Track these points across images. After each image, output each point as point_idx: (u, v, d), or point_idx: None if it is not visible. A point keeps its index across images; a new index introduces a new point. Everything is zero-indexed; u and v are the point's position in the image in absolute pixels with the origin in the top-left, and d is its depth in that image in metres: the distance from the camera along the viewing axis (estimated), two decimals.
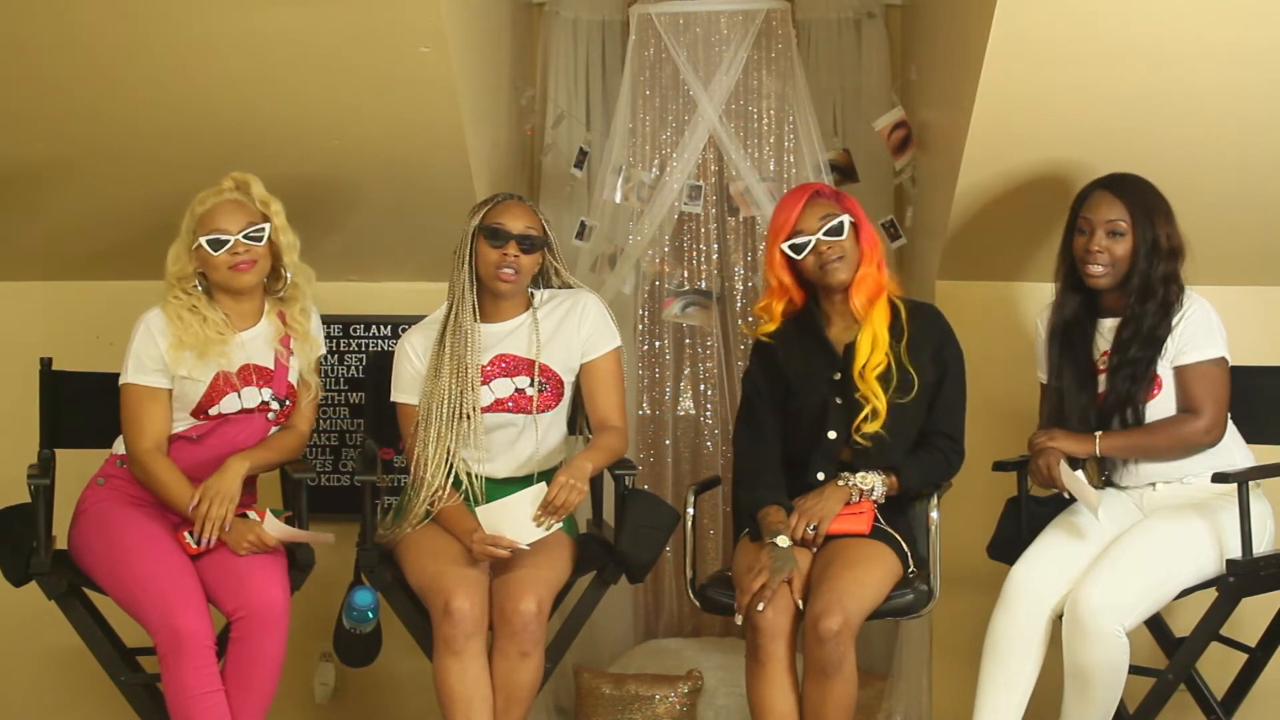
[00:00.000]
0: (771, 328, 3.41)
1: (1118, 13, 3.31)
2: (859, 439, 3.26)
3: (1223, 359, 3.31)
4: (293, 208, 3.40)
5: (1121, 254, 3.31)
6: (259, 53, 3.43)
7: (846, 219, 3.31)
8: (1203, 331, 3.29)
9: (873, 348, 3.27)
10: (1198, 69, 3.42)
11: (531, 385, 3.39)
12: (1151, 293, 3.29)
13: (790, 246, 3.32)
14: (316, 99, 3.57)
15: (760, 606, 3.08)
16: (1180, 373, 3.30)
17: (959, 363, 3.36)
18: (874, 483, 3.27)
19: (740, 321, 4.31)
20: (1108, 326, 3.38)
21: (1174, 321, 3.30)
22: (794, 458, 3.36)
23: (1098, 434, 3.31)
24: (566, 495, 3.20)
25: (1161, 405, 3.31)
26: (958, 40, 3.64)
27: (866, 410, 3.25)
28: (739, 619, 3.13)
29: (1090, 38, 3.36)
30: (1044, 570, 3.24)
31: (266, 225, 3.30)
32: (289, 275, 3.38)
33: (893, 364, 3.27)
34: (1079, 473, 3.29)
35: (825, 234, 3.29)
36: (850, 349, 3.30)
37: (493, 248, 3.33)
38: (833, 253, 3.29)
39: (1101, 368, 3.37)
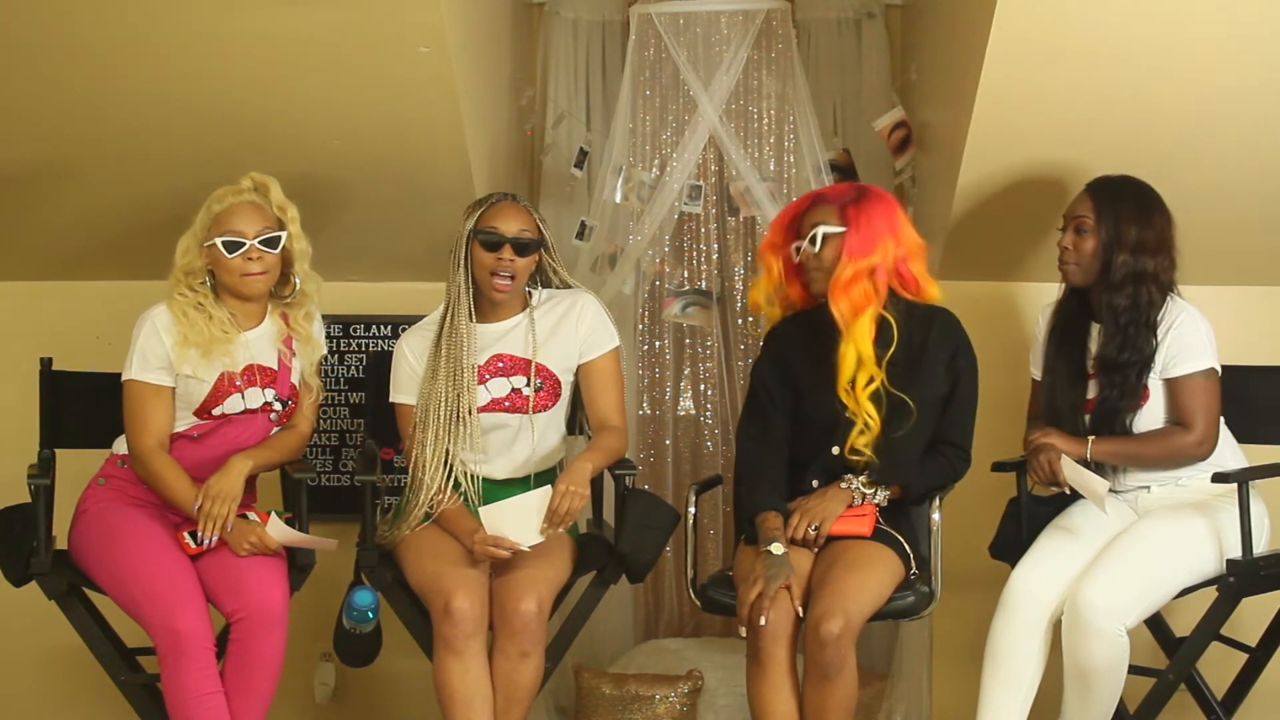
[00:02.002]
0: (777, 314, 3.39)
1: (1118, 13, 3.31)
2: (851, 455, 3.23)
3: (1212, 370, 3.28)
4: None
5: (1087, 251, 3.32)
6: (259, 52, 3.43)
7: (822, 231, 3.23)
8: (1192, 342, 3.27)
9: (858, 364, 3.19)
10: (1197, 69, 3.42)
11: (528, 385, 3.39)
12: (1117, 286, 3.28)
13: (795, 248, 3.31)
14: (316, 99, 3.57)
15: (763, 621, 3.05)
16: (1170, 385, 3.28)
17: (971, 371, 3.32)
18: (877, 486, 3.26)
19: (741, 321, 4.31)
20: (1098, 330, 3.36)
21: (1161, 333, 3.27)
22: (796, 460, 3.35)
23: (1091, 438, 3.31)
24: (570, 503, 3.20)
25: (1149, 415, 3.30)
26: (958, 40, 3.64)
27: (859, 425, 3.21)
28: (743, 631, 3.12)
29: (1090, 38, 3.36)
30: (1042, 574, 3.23)
31: (283, 233, 3.30)
32: (298, 282, 3.38)
33: (885, 387, 3.21)
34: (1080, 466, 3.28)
35: (809, 242, 3.27)
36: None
37: (487, 251, 3.33)
38: (810, 263, 3.27)
39: (1092, 371, 3.36)
